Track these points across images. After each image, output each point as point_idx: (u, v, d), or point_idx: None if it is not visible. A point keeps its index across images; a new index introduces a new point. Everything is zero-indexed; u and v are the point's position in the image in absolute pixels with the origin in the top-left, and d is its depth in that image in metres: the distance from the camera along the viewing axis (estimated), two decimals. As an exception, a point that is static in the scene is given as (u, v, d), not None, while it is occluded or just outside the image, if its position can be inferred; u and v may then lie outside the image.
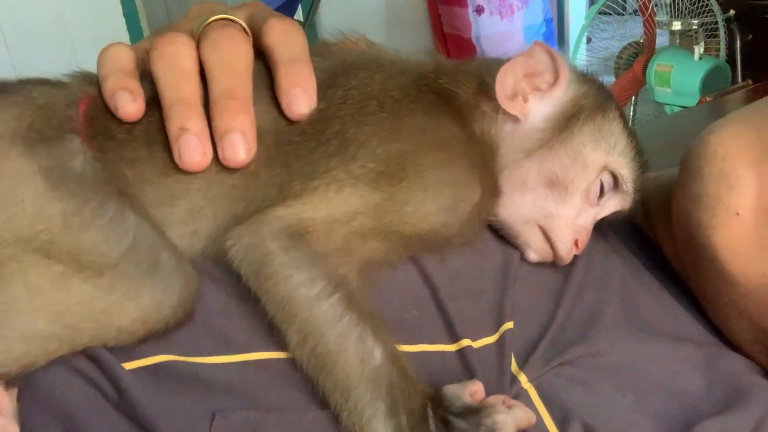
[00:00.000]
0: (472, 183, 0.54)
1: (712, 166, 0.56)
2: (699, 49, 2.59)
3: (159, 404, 0.45)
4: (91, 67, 0.54)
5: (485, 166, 0.55)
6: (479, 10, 3.29)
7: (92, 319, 0.45)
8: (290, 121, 0.52)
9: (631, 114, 2.84)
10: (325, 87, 0.53)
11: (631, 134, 0.60)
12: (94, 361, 0.46)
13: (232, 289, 0.49)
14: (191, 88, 0.51)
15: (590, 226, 0.59)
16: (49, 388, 0.46)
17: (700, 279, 0.60)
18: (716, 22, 2.79)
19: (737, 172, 0.55)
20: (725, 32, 2.86)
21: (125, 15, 2.61)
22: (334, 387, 0.45)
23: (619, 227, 0.66)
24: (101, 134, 0.50)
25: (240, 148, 0.49)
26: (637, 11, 2.79)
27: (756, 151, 0.54)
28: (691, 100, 2.48)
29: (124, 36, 2.54)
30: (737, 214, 0.54)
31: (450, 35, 3.43)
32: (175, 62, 0.51)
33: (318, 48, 0.57)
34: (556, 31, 3.46)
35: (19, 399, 0.45)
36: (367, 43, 0.60)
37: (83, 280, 0.45)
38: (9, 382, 0.45)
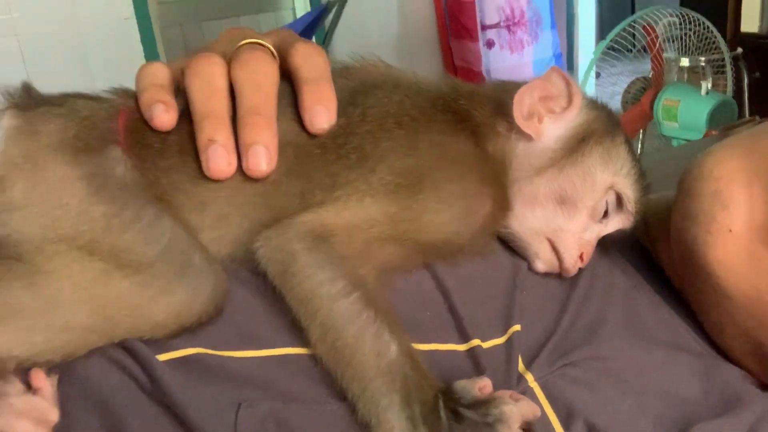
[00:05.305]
0: (483, 196, 0.57)
1: (707, 186, 0.59)
2: (706, 85, 2.63)
3: (190, 393, 0.48)
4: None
5: (496, 181, 0.59)
6: (490, 44, 3.34)
7: (130, 313, 0.49)
8: (311, 136, 0.55)
9: (639, 148, 2.87)
10: (345, 105, 0.57)
11: (636, 159, 0.64)
12: (129, 352, 0.50)
13: (257, 290, 0.53)
14: (221, 104, 0.54)
15: (595, 242, 0.62)
16: (88, 376, 0.49)
17: (696, 293, 0.63)
18: (724, 59, 2.83)
19: (730, 192, 0.58)
20: (732, 69, 2.90)
21: (143, 42, 2.67)
22: (352, 379, 0.48)
23: (621, 244, 0.69)
24: (139, 144, 0.54)
25: (262, 160, 0.53)
26: (645, 47, 2.84)
27: (748, 173, 0.58)
28: (698, 135, 2.52)
29: (142, 62, 2.59)
30: (730, 231, 0.57)
31: (461, 68, 3.48)
32: (208, 79, 0.55)
33: (339, 70, 0.61)
34: (566, 66, 3.52)
35: (59, 386, 0.49)
36: (385, 65, 0.64)
37: (123, 276, 0.48)
38: (50, 370, 0.49)
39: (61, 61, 2.41)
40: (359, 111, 0.57)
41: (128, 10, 2.64)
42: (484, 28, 3.31)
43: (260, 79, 0.55)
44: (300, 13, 3.18)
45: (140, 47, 2.67)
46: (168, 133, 0.54)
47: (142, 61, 2.59)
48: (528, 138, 0.60)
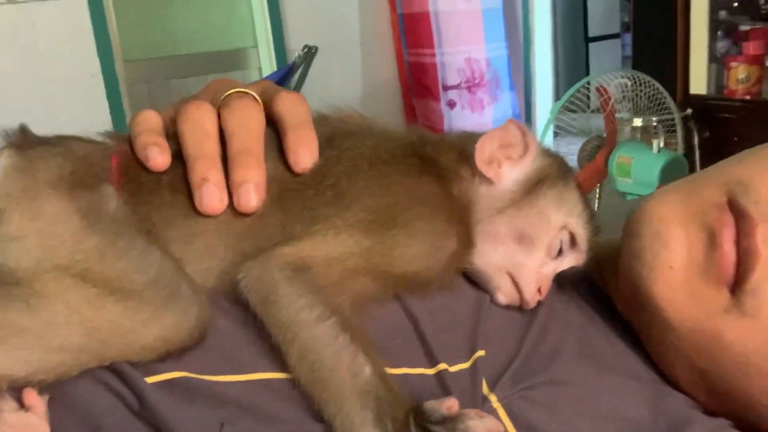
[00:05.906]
0: (449, 234, 0.62)
1: (649, 227, 0.65)
2: (658, 143, 2.74)
3: (175, 413, 0.51)
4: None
5: (461, 221, 0.63)
6: (451, 104, 3.42)
7: (121, 336, 0.52)
8: (293, 175, 0.60)
9: (597, 202, 2.96)
10: (323, 148, 0.61)
11: (586, 202, 0.69)
12: (119, 374, 0.53)
13: (238, 318, 0.56)
14: (212, 146, 0.59)
15: (551, 276, 0.67)
16: (78, 397, 0.52)
17: (645, 326, 0.68)
18: (674, 120, 2.95)
19: (670, 232, 0.64)
20: (683, 129, 3.02)
21: (109, 99, 2.70)
22: (329, 399, 0.52)
23: (576, 282, 0.74)
24: (132, 183, 0.57)
25: (252, 197, 0.57)
26: (600, 108, 2.96)
27: (685, 214, 0.64)
28: (651, 189, 2.61)
29: (107, 118, 2.62)
30: (671, 267, 0.63)
31: (423, 127, 3.54)
32: (200, 124, 0.60)
33: (318, 118, 0.66)
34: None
35: (50, 405, 0.51)
36: (359, 115, 0.69)
37: (115, 302, 0.52)
38: (42, 390, 0.51)
39: (27, 116, 2.38)
40: (335, 153, 0.61)
41: (95, 67, 2.68)
42: (445, 88, 3.39)
43: (249, 122, 0.60)
44: (266, 72, 3.25)
45: (106, 104, 2.70)
46: (160, 173, 0.58)
47: (108, 117, 2.62)
48: (489, 182, 0.65)
